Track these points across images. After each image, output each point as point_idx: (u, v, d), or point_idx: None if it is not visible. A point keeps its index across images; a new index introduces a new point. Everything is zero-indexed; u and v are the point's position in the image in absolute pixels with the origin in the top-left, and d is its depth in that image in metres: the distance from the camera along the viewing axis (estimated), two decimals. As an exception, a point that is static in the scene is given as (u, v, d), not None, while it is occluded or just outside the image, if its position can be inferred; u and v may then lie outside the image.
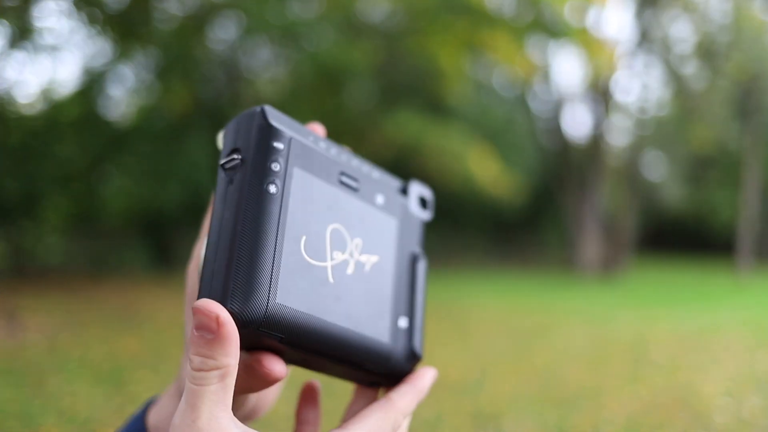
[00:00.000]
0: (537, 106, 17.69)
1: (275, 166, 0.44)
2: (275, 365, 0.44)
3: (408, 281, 0.52)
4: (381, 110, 11.81)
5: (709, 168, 20.01)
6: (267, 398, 0.58)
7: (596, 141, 15.54)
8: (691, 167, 20.13)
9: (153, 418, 0.57)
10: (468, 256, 16.45)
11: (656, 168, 21.78)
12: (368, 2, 11.20)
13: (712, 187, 19.70)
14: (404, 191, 0.54)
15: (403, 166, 10.42)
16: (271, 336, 0.42)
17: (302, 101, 10.93)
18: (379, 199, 0.51)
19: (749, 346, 6.08)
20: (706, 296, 10.72)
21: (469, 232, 17.62)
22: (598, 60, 12.48)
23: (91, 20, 9.89)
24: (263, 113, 0.45)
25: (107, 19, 9.82)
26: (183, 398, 0.39)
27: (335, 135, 0.53)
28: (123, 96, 11.75)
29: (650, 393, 4.39)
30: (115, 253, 12.26)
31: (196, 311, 0.39)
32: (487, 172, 11.21)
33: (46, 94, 10.94)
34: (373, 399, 0.52)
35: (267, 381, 0.45)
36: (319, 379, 0.57)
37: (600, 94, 15.33)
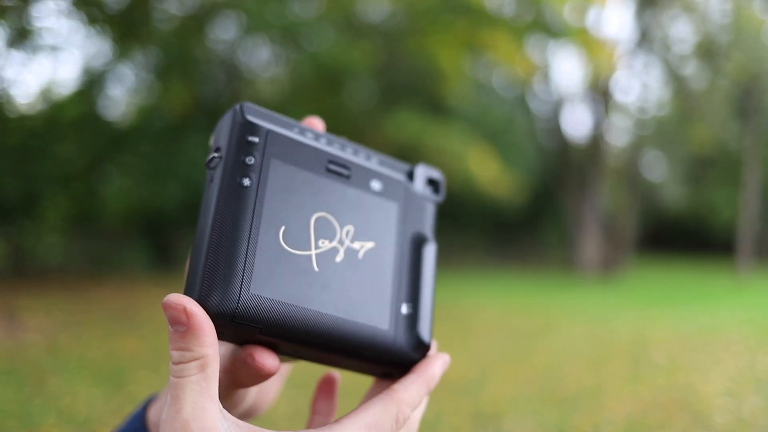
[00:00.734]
0: (537, 106, 17.69)
1: (249, 160, 0.45)
2: (267, 359, 0.44)
3: (412, 266, 0.51)
4: (381, 110, 11.81)
5: (709, 168, 20.01)
6: (267, 396, 0.58)
7: (596, 141, 15.54)
8: (691, 167, 20.13)
9: (153, 414, 0.57)
10: (468, 256, 16.45)
11: (656, 168, 21.79)
12: (368, 2, 11.20)
13: (712, 187, 19.69)
14: (411, 175, 0.53)
15: (403, 166, 10.39)
16: (247, 327, 0.42)
17: (302, 101, 10.92)
18: (375, 184, 0.50)
19: (749, 346, 6.08)
20: (706, 296, 10.72)
21: (469, 232, 17.61)
22: (597, 60, 12.48)
23: (91, 20, 9.89)
24: (240, 110, 0.47)
25: (107, 18, 9.82)
26: (168, 394, 0.40)
27: (335, 135, 0.53)
28: (123, 96, 11.75)
29: (650, 393, 4.39)
30: (115, 253, 12.26)
31: (165, 307, 0.40)
32: (487, 172, 11.21)
33: (46, 94, 10.94)
34: None
35: (260, 375, 0.45)
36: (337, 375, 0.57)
37: (600, 94, 15.33)
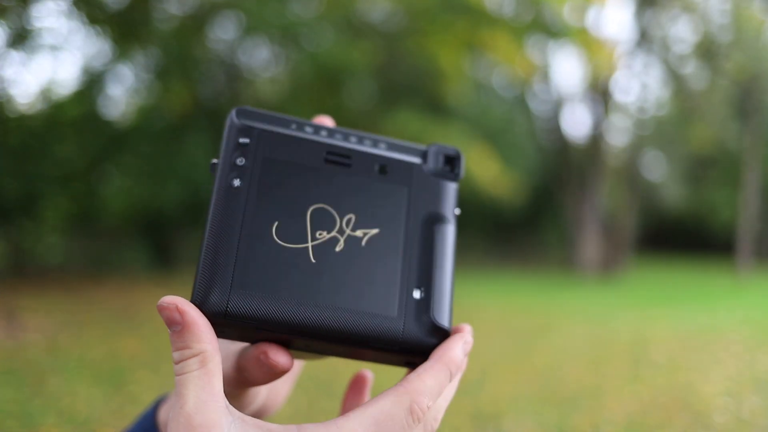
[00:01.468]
0: (537, 106, 17.69)
1: (240, 161, 0.46)
2: (280, 356, 0.44)
3: (424, 249, 0.49)
4: (381, 110, 11.81)
5: (709, 168, 20.01)
6: (277, 396, 0.58)
7: (596, 141, 15.54)
8: (691, 167, 20.13)
9: (163, 415, 0.58)
10: (468, 256, 16.44)
11: (656, 168, 21.80)
12: (368, 2, 11.20)
13: (711, 187, 19.69)
14: (425, 156, 0.52)
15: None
16: (242, 324, 0.43)
17: (302, 101, 10.92)
18: (380, 170, 0.50)
19: (749, 346, 6.08)
20: (706, 296, 10.72)
21: (469, 232, 17.61)
22: (597, 60, 12.48)
23: (91, 20, 9.88)
24: (234, 114, 0.48)
25: (107, 19, 9.82)
26: (174, 392, 0.40)
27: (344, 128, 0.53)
28: (123, 96, 11.75)
29: (650, 393, 4.39)
30: (115, 253, 12.26)
31: (159, 309, 0.41)
32: (487, 172, 11.21)
33: (45, 94, 10.94)
34: None
35: (274, 373, 0.45)
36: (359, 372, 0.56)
37: (599, 94, 15.33)
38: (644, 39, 15.51)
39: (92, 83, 10.78)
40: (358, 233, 0.47)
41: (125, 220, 11.57)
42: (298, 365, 0.58)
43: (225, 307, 0.42)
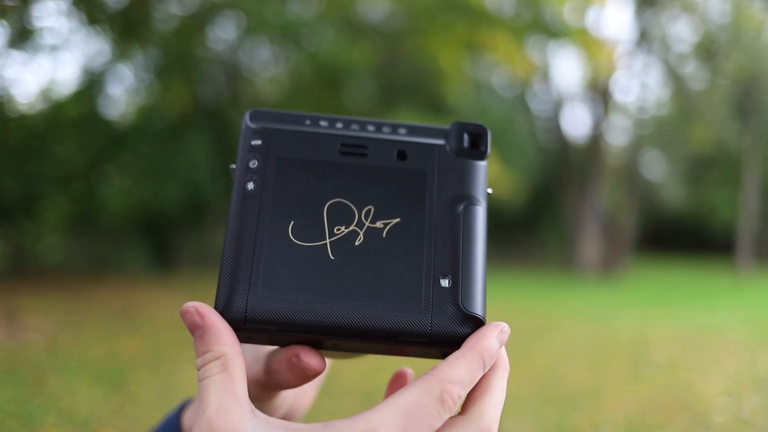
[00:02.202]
0: (537, 106, 17.69)
1: (253, 164, 0.46)
2: (311, 358, 0.44)
3: (450, 234, 0.46)
4: (381, 110, 11.81)
5: (709, 168, 20.01)
6: (303, 401, 0.58)
7: (596, 141, 15.54)
8: (691, 167, 20.13)
9: (188, 418, 0.57)
10: (468, 256, 16.41)
11: (656, 168, 21.80)
12: (368, 2, 11.20)
13: (711, 187, 19.69)
14: (447, 136, 0.49)
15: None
16: (263, 329, 0.42)
17: (302, 101, 10.92)
18: (399, 156, 0.48)
19: (749, 346, 6.09)
20: (705, 296, 10.72)
21: (468, 232, 17.58)
22: (597, 60, 12.48)
23: (91, 20, 9.89)
24: (247, 117, 0.48)
25: (107, 18, 9.82)
26: (197, 398, 0.41)
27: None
28: (123, 96, 11.75)
29: (650, 393, 4.39)
30: (115, 253, 12.26)
31: (182, 314, 0.41)
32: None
33: (46, 94, 10.94)
34: None
35: (306, 375, 0.44)
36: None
37: (599, 93, 15.33)
38: (644, 39, 15.51)
39: (92, 83, 10.78)
40: (378, 225, 0.46)
41: (125, 220, 11.57)
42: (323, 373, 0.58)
43: (244, 313, 0.42)
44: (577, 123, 21.39)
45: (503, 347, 0.44)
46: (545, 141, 17.59)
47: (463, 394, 0.40)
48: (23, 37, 9.44)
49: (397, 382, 0.51)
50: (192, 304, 0.41)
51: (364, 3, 11.09)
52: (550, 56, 14.68)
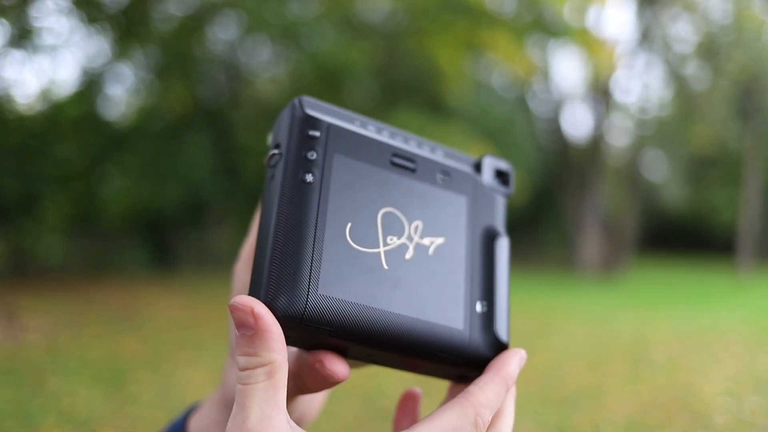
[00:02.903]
0: (537, 106, 17.69)
1: (311, 155, 0.44)
2: (337, 366, 0.43)
3: (484, 262, 0.48)
4: (381, 110, 11.80)
5: (710, 168, 20.00)
6: (314, 406, 0.56)
7: (596, 141, 15.54)
8: (692, 167, 20.12)
9: (194, 425, 0.56)
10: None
11: (656, 168, 21.79)
12: (368, 2, 11.20)
13: (712, 187, 19.68)
14: (478, 167, 0.51)
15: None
16: (317, 330, 0.41)
17: (302, 101, 10.90)
18: (443, 177, 0.49)
19: (749, 346, 6.08)
20: (706, 296, 10.71)
21: (469, 232, 17.59)
22: (598, 60, 12.47)
23: (91, 20, 9.89)
24: (299, 104, 0.45)
25: (106, 18, 9.82)
26: (235, 401, 0.39)
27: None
28: (122, 96, 11.75)
29: (650, 393, 4.39)
30: (115, 253, 12.26)
31: (232, 309, 0.39)
32: (487, 172, 11.19)
33: (45, 94, 10.94)
34: None
35: (329, 382, 0.43)
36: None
37: (600, 93, 15.32)
38: (645, 39, 15.51)
39: (92, 83, 10.78)
40: (425, 241, 0.46)
41: (125, 220, 11.57)
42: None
43: (302, 311, 0.40)
44: (577, 123, 21.41)
45: None
46: (546, 141, 17.59)
47: (490, 417, 0.42)
48: (23, 37, 9.44)
49: (409, 402, 0.51)
50: (245, 302, 0.39)
51: (364, 3, 11.09)
52: (550, 56, 14.68)
